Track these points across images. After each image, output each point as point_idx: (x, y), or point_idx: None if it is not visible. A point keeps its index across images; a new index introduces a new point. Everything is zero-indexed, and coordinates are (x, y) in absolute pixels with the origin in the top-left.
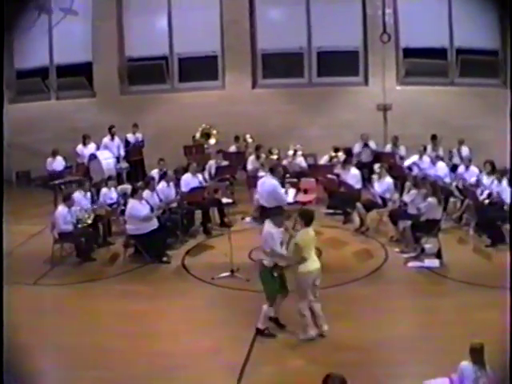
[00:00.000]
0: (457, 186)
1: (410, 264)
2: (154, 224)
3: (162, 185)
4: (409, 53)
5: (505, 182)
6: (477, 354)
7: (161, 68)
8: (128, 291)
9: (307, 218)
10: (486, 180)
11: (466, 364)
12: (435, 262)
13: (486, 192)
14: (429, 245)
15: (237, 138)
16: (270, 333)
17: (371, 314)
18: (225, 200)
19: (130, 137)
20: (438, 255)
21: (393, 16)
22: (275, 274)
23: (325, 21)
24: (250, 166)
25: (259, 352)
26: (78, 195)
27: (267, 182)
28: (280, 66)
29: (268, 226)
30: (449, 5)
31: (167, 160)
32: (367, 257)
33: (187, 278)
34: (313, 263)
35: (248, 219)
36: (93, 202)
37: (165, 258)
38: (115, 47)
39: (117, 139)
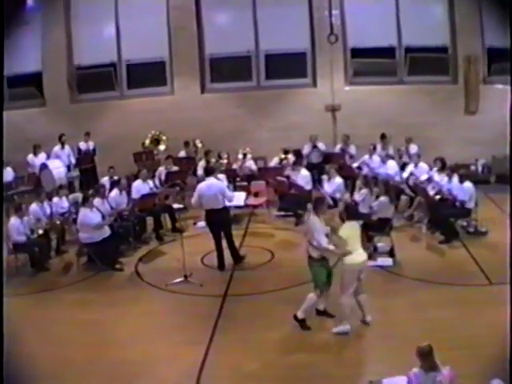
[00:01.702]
0: (408, 184)
1: None
2: (106, 232)
3: (115, 193)
4: (357, 53)
5: (455, 178)
6: (425, 358)
7: (109, 75)
8: (83, 300)
9: (350, 212)
10: (437, 177)
11: (416, 371)
12: (388, 261)
13: (436, 189)
14: (381, 244)
15: (186, 144)
16: (307, 325)
17: (326, 317)
18: (176, 206)
19: (82, 145)
20: (391, 254)
21: (340, 17)
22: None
23: (272, 23)
24: (200, 171)
25: (215, 357)
26: (34, 206)
27: (214, 183)
28: (228, 69)
29: (313, 218)
30: (396, 3)
31: (118, 167)
32: None
33: (141, 285)
34: (358, 256)
35: (200, 224)
36: (51, 213)
37: (118, 266)
38: (64, 56)
39: (67, 148)
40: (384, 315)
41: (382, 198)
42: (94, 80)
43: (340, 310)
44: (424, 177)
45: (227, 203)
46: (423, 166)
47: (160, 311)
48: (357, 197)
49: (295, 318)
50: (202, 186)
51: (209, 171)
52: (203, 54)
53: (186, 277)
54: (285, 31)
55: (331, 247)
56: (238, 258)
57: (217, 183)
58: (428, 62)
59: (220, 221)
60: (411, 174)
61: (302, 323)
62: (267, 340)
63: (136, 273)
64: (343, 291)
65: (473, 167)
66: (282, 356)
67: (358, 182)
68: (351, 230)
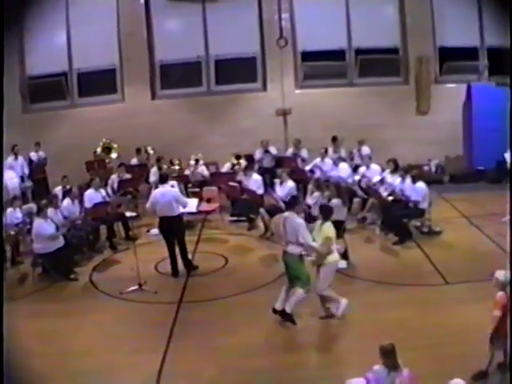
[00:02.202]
0: (360, 186)
1: None
2: (60, 242)
3: (67, 202)
4: (307, 56)
5: (409, 179)
6: (387, 356)
7: (60, 84)
8: (38, 311)
9: (327, 212)
10: (389, 178)
11: (377, 368)
12: (342, 263)
13: (388, 190)
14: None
15: (138, 151)
16: (293, 319)
17: (281, 319)
18: (129, 214)
19: (33, 155)
20: (345, 256)
21: (289, 20)
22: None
23: (221, 28)
24: (152, 178)
25: (173, 364)
26: None
27: (169, 191)
28: (178, 75)
29: (294, 217)
30: (346, 5)
31: (70, 176)
32: (274, 262)
33: (96, 294)
34: (336, 253)
35: (153, 231)
36: (5, 224)
37: (72, 276)
38: (17, 66)
39: (20, 158)
40: (340, 317)
41: (335, 201)
42: (45, 89)
43: (328, 298)
44: (376, 178)
45: (181, 209)
46: (375, 167)
47: (115, 320)
48: (309, 200)
49: (280, 312)
50: (156, 192)
51: (163, 178)
52: (153, 61)
53: (140, 285)
54: (234, 36)
55: (316, 245)
56: (190, 266)
57: (171, 190)
58: (379, 64)
59: (173, 228)
60: (363, 176)
61: (290, 317)
62: (224, 345)
63: (90, 282)
64: (323, 286)
65: (426, 167)
66: (241, 361)
67: (310, 186)
68: (332, 230)
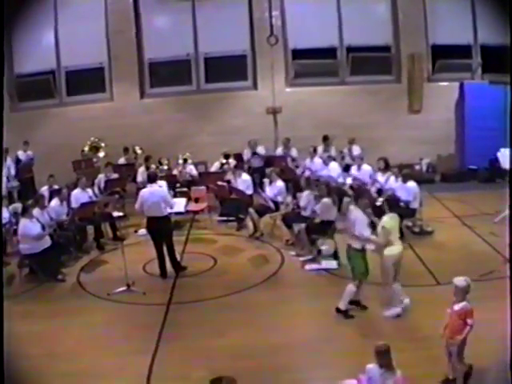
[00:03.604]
0: (351, 186)
1: (307, 267)
2: (47, 242)
3: (55, 203)
4: (297, 54)
5: (399, 178)
6: (382, 356)
7: (48, 83)
8: (25, 312)
9: (391, 204)
10: (380, 177)
11: (371, 366)
12: (332, 264)
13: (378, 189)
14: (325, 246)
15: (126, 150)
16: (351, 314)
17: (271, 320)
18: (116, 214)
19: (21, 154)
20: (335, 256)
21: (280, 18)
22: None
23: (211, 26)
24: (140, 178)
25: (162, 366)
26: None
27: (157, 190)
28: (168, 74)
29: (355, 210)
30: (337, 3)
31: (57, 176)
32: (263, 262)
33: (83, 295)
34: (396, 247)
35: (141, 231)
36: None
37: (60, 276)
38: (4, 64)
39: (8, 159)
40: (329, 318)
41: (325, 200)
42: (33, 88)
43: (390, 295)
44: (366, 177)
45: (169, 210)
46: (366, 168)
47: (103, 321)
48: (302, 202)
49: (338, 309)
50: (145, 192)
51: (152, 178)
52: (142, 59)
53: (128, 286)
54: (224, 33)
55: (373, 237)
56: (178, 267)
57: (159, 190)
58: (371, 62)
59: (161, 229)
60: (354, 178)
61: (346, 314)
62: (214, 347)
63: (78, 283)
64: (386, 280)
65: (417, 167)
66: (230, 362)
67: (299, 194)
68: (394, 222)
